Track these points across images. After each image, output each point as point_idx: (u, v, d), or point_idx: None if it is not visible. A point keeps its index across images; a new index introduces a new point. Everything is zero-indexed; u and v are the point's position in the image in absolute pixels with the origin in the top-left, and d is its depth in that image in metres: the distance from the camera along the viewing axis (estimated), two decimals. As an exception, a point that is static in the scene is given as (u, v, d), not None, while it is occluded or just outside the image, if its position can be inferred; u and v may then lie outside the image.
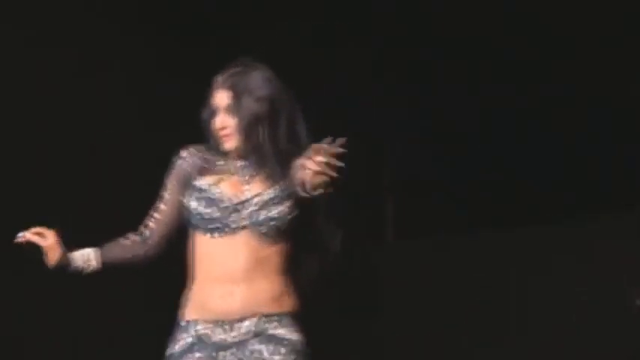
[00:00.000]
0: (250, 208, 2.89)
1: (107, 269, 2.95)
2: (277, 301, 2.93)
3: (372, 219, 6.54)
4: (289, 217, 2.91)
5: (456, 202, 6.12)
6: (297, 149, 2.85)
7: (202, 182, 2.94)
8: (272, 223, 2.89)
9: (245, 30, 5.57)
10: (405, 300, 6.32)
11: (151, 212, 3.01)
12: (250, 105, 2.91)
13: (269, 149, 2.91)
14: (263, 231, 2.89)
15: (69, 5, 5.27)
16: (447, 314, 6.11)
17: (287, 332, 2.91)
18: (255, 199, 2.90)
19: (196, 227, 2.94)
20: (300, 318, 2.98)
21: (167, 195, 3.00)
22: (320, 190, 2.69)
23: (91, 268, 2.94)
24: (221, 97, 2.95)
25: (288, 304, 2.95)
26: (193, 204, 2.93)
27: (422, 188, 6.38)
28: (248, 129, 2.91)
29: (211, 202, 2.90)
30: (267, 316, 2.90)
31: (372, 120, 6.11)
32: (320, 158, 2.63)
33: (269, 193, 2.91)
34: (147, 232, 2.99)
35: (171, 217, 2.98)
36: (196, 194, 2.94)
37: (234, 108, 2.92)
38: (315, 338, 3.02)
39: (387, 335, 6.30)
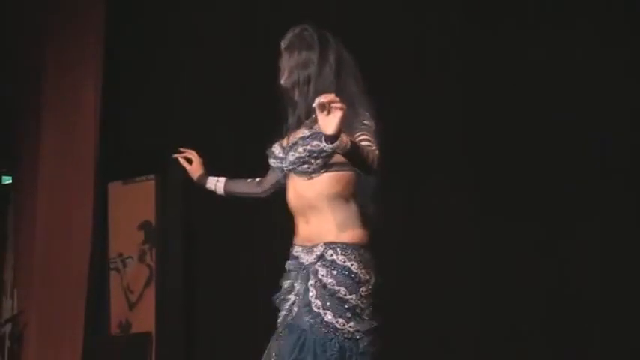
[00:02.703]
0: (288, 153, 3.52)
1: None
2: (339, 231, 3.45)
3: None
4: (308, 157, 3.45)
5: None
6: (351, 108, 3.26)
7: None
8: (297, 163, 3.49)
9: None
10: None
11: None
12: (293, 60, 3.52)
13: (304, 91, 3.48)
14: (299, 171, 3.49)
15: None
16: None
17: (343, 260, 3.42)
18: (291, 143, 3.52)
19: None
20: (362, 248, 3.44)
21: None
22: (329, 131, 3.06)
23: (217, 193, 4.00)
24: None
25: (349, 235, 3.45)
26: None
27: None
28: (290, 80, 3.52)
29: (274, 156, 3.65)
30: (329, 243, 3.44)
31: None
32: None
33: (298, 135, 3.51)
34: (263, 180, 3.86)
35: (276, 177, 3.76)
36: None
37: (282, 64, 3.55)
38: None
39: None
